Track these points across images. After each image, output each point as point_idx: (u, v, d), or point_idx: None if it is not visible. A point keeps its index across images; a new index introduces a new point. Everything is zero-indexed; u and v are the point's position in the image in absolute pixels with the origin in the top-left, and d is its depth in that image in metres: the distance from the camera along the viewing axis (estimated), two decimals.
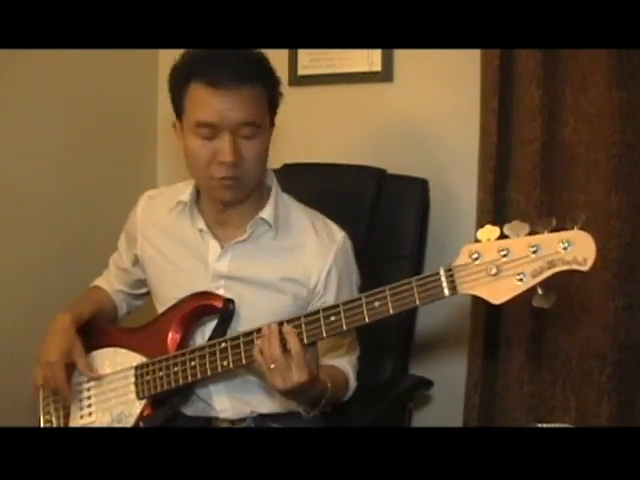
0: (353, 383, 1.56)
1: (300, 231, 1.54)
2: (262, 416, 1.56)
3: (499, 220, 1.94)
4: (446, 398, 2.10)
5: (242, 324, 1.50)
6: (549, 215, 1.88)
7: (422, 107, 2.14)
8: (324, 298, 1.52)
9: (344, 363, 1.56)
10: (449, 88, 2.10)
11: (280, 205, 1.55)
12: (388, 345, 1.89)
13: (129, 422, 1.50)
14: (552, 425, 1.38)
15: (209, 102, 1.40)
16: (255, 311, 1.51)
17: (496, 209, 1.95)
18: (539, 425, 1.37)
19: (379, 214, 1.95)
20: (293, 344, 1.31)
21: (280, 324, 1.34)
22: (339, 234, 1.56)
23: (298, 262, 1.52)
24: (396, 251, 1.94)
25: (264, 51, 1.51)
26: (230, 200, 1.49)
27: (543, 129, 1.91)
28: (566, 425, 1.43)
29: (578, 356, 1.91)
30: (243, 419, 1.56)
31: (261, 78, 1.44)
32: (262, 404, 1.56)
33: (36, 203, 2.11)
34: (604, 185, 1.86)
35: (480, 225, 1.93)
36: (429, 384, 1.92)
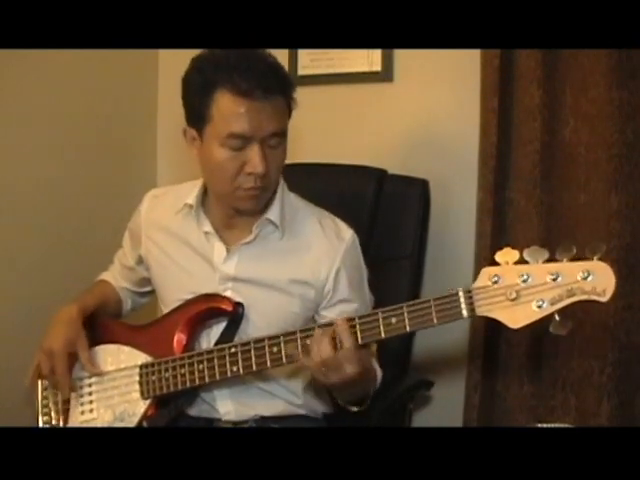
0: (380, 374, 1.54)
1: (307, 231, 1.53)
2: (264, 418, 1.56)
3: (499, 220, 1.97)
4: (446, 398, 2.10)
5: (250, 326, 1.50)
6: (550, 216, 1.91)
7: (422, 107, 2.14)
8: (335, 298, 1.52)
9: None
10: (449, 88, 2.10)
11: (286, 205, 1.54)
12: (388, 345, 1.89)
13: (132, 421, 1.50)
14: (552, 425, 1.38)
15: (241, 113, 1.38)
16: (263, 313, 1.50)
17: (496, 209, 1.95)
18: (539, 425, 1.37)
19: (379, 214, 1.95)
20: (346, 341, 1.30)
21: (300, 331, 1.35)
22: (347, 232, 1.55)
23: (305, 263, 1.51)
24: (396, 251, 1.94)
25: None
26: (254, 209, 1.48)
27: (543, 129, 1.91)
28: (566, 425, 1.43)
29: (578, 356, 1.91)
30: (245, 421, 1.56)
31: (283, 88, 1.43)
32: (265, 407, 1.56)
33: (35, 203, 2.11)
34: (604, 185, 1.86)
35: (480, 225, 1.97)
36: (429, 384, 1.92)
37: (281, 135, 1.43)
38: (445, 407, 2.11)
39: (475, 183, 2.02)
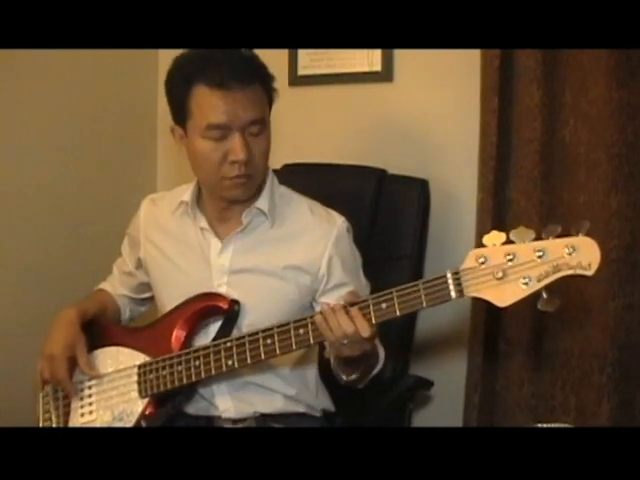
0: (382, 352, 1.56)
1: (298, 218, 1.56)
2: (264, 416, 1.57)
3: (499, 220, 1.97)
4: (446, 398, 2.10)
5: (247, 316, 1.51)
6: (550, 216, 1.91)
7: (422, 107, 2.14)
8: (331, 283, 1.53)
9: None
10: (449, 88, 2.10)
11: (276, 195, 1.57)
12: (388, 345, 1.89)
13: (130, 421, 1.51)
14: (552, 425, 1.38)
15: (218, 104, 1.42)
16: (260, 302, 1.52)
17: (496, 209, 1.95)
18: (539, 425, 1.37)
19: (379, 214, 1.95)
20: (361, 326, 1.30)
21: (294, 322, 1.35)
22: (339, 218, 1.57)
23: (298, 249, 1.53)
24: (396, 251, 1.94)
25: (265, 51, 1.52)
26: (242, 198, 1.51)
27: (543, 129, 1.91)
28: (566, 425, 1.43)
29: (578, 356, 1.91)
30: (245, 419, 1.56)
31: (259, 76, 1.48)
32: (264, 404, 1.57)
33: (35, 203, 2.11)
34: (604, 185, 1.86)
35: (480, 225, 1.97)
36: (429, 384, 1.92)
37: (261, 123, 1.46)
38: (445, 407, 2.11)
39: (475, 183, 2.01)
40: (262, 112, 1.47)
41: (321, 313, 1.34)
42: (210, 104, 1.43)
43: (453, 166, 2.10)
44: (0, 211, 2.03)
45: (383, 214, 1.95)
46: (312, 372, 1.63)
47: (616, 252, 1.82)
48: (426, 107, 2.13)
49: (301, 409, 1.60)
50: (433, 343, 2.11)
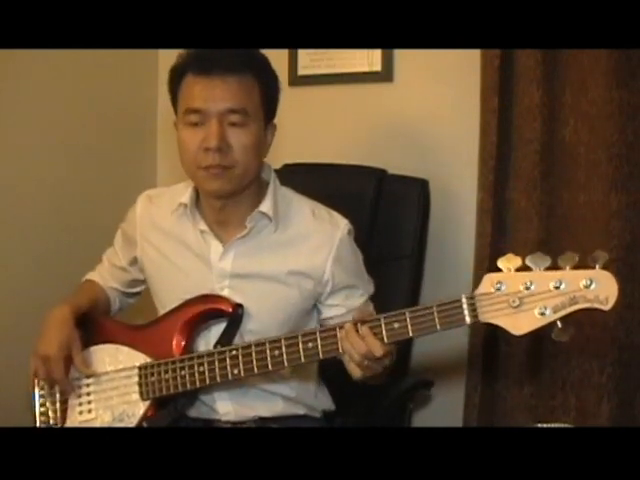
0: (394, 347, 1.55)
1: (301, 221, 1.53)
2: (263, 419, 1.56)
3: (499, 220, 1.97)
4: (446, 398, 2.10)
5: (250, 320, 1.50)
6: (550, 216, 1.91)
7: (422, 107, 2.14)
8: (337, 286, 1.52)
9: None
10: (449, 88, 2.10)
11: (279, 198, 1.54)
12: None
13: (132, 422, 1.50)
14: (552, 425, 1.38)
15: (197, 89, 1.43)
16: (262, 306, 1.51)
17: (496, 209, 1.95)
18: (539, 425, 1.37)
19: (379, 214, 1.95)
20: (373, 345, 1.30)
21: (302, 335, 1.35)
22: (342, 222, 1.55)
23: (301, 254, 1.51)
24: (396, 251, 1.94)
25: (265, 51, 1.52)
26: (218, 191, 1.47)
27: (543, 129, 1.91)
28: (566, 425, 1.43)
29: (578, 356, 1.91)
30: (244, 422, 1.56)
31: (252, 68, 1.45)
32: (265, 408, 1.56)
33: (36, 202, 2.11)
34: (604, 185, 1.86)
35: (480, 225, 1.97)
36: (429, 384, 1.92)
37: (242, 113, 1.43)
38: (445, 407, 2.11)
39: (475, 183, 2.02)
40: (244, 102, 1.43)
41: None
42: (191, 90, 1.44)
43: (453, 166, 2.10)
44: (0, 209, 2.03)
45: (383, 214, 1.95)
46: (312, 373, 1.63)
47: (616, 252, 1.82)
48: (426, 107, 2.13)
49: (301, 411, 1.59)
50: (433, 343, 2.10)
